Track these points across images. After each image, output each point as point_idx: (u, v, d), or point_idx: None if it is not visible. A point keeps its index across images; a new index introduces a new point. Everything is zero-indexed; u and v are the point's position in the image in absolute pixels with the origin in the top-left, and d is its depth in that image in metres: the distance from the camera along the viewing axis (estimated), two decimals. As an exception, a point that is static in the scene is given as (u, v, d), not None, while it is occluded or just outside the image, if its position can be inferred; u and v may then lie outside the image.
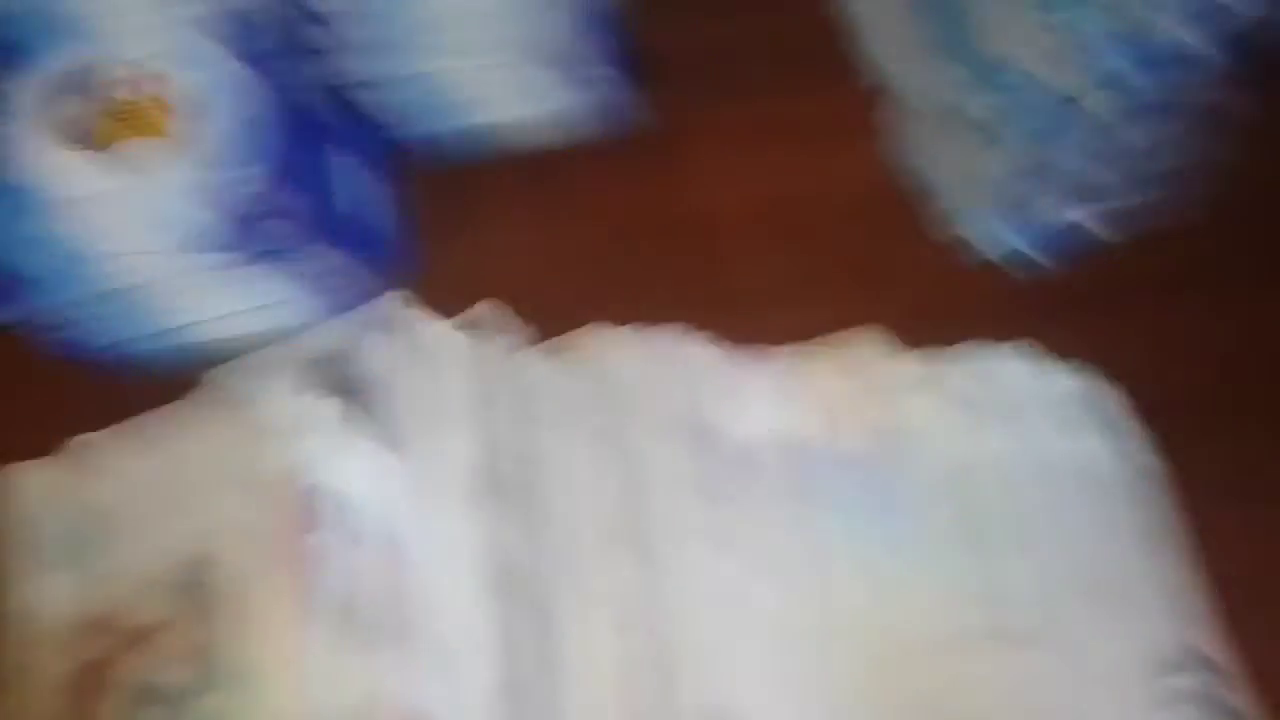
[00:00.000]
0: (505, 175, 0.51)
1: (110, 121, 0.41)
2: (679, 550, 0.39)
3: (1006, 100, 0.44)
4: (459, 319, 0.43)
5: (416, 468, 0.39)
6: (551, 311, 0.44)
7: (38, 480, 0.41)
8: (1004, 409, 0.42)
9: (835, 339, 0.44)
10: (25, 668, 0.38)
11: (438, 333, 0.42)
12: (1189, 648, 0.39)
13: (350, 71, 0.48)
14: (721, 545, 0.39)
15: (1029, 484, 0.41)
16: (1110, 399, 0.43)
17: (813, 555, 0.40)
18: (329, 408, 0.39)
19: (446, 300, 0.44)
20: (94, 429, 0.42)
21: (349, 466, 0.38)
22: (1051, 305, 0.47)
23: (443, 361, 0.41)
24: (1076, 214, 0.49)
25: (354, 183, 0.48)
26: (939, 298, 0.48)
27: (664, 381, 0.42)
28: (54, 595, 0.39)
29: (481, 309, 0.43)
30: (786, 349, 0.44)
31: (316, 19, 0.46)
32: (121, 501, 0.40)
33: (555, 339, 0.44)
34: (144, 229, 0.41)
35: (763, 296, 0.48)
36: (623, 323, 0.44)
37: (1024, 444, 0.42)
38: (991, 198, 0.47)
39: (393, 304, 0.43)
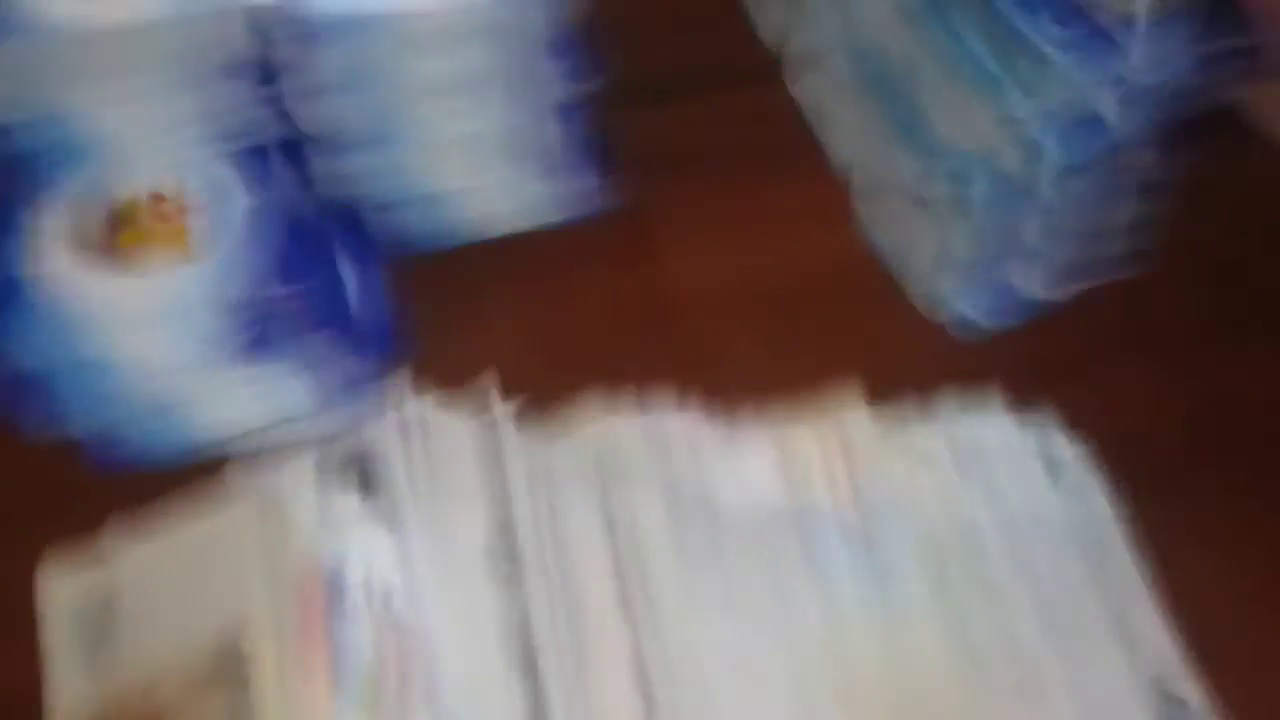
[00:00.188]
0: (490, 264, 0.54)
1: (128, 235, 0.44)
2: (688, 610, 0.41)
3: (960, 181, 0.47)
4: (459, 400, 0.46)
5: (432, 547, 0.41)
6: (542, 388, 0.47)
7: (71, 579, 0.43)
8: (978, 466, 0.45)
9: (818, 407, 0.47)
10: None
11: (441, 415, 0.45)
12: (1171, 685, 0.41)
13: (343, 176, 0.52)
14: (728, 604, 0.42)
15: (1008, 540, 0.44)
16: (1076, 453, 0.46)
17: (815, 613, 0.42)
18: (346, 496, 0.42)
19: (443, 383, 0.46)
20: (121, 527, 0.44)
21: (369, 551, 0.40)
22: (1016, 366, 0.49)
23: (449, 442, 0.44)
24: (1035, 281, 0.52)
25: (353, 278, 0.51)
26: (911, 363, 0.51)
27: (663, 451, 0.45)
28: (91, 686, 0.41)
29: (479, 389, 0.46)
30: (774, 417, 0.47)
31: (311, 133, 0.50)
32: (155, 599, 0.42)
33: (552, 413, 0.46)
34: (163, 335, 0.44)
35: (747, 371, 0.50)
36: (610, 396, 0.47)
37: (1001, 501, 0.45)
38: (955, 269, 0.51)
39: (397, 390, 0.45)
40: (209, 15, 0.44)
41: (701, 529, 0.43)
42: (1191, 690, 0.41)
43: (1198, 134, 0.46)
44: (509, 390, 0.46)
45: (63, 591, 0.43)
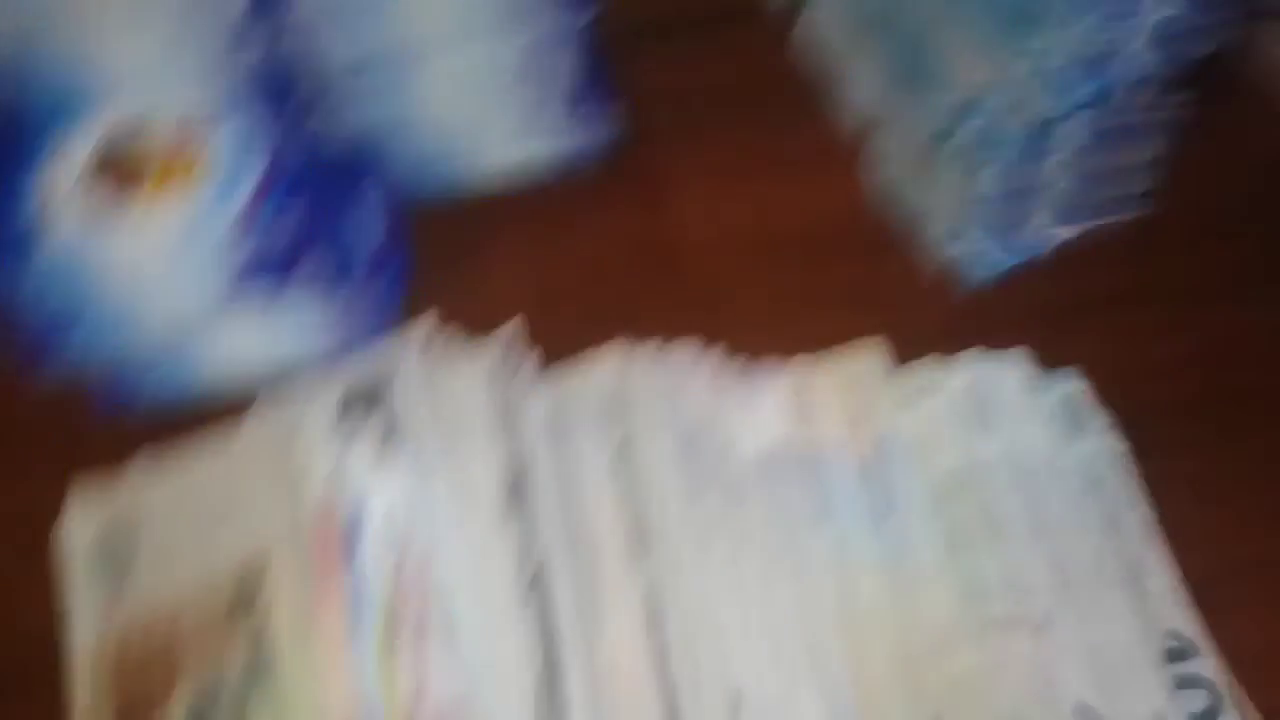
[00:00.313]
0: (505, 211, 0.53)
1: (147, 175, 0.44)
2: (700, 553, 0.41)
3: (983, 128, 0.47)
4: (473, 344, 0.46)
5: (448, 484, 0.42)
6: (555, 334, 0.47)
7: (92, 514, 0.44)
8: (995, 415, 0.45)
9: (834, 354, 0.47)
10: (89, 680, 0.41)
11: (455, 357, 0.45)
12: (1183, 636, 0.42)
13: (364, 123, 0.51)
14: (741, 547, 0.42)
15: (1022, 485, 0.44)
16: (1093, 404, 0.46)
17: (827, 556, 0.42)
18: (363, 437, 0.42)
19: (456, 327, 0.46)
20: (141, 463, 0.45)
21: (385, 491, 0.41)
22: (1034, 317, 0.49)
23: (463, 384, 0.44)
24: (1055, 231, 0.52)
25: (371, 222, 0.51)
26: (924, 308, 0.51)
27: (678, 396, 0.45)
28: (110, 619, 0.42)
29: (498, 334, 0.46)
30: (789, 364, 0.47)
31: (330, 73, 0.49)
32: (174, 523, 0.43)
33: (565, 358, 0.47)
34: (177, 271, 0.44)
35: (763, 317, 0.50)
36: (623, 342, 0.47)
37: (1015, 448, 0.45)
38: (974, 219, 0.50)
39: (415, 333, 0.45)
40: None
41: (714, 471, 0.43)
42: (1202, 643, 0.42)
43: (1210, 75, 0.46)
44: (524, 325, 0.46)
45: (83, 526, 0.44)
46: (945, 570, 0.42)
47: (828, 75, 0.57)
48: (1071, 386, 0.47)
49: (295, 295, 0.46)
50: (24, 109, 0.45)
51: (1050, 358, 0.47)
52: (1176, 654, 0.41)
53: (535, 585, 0.40)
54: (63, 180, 0.44)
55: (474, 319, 0.47)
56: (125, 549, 0.43)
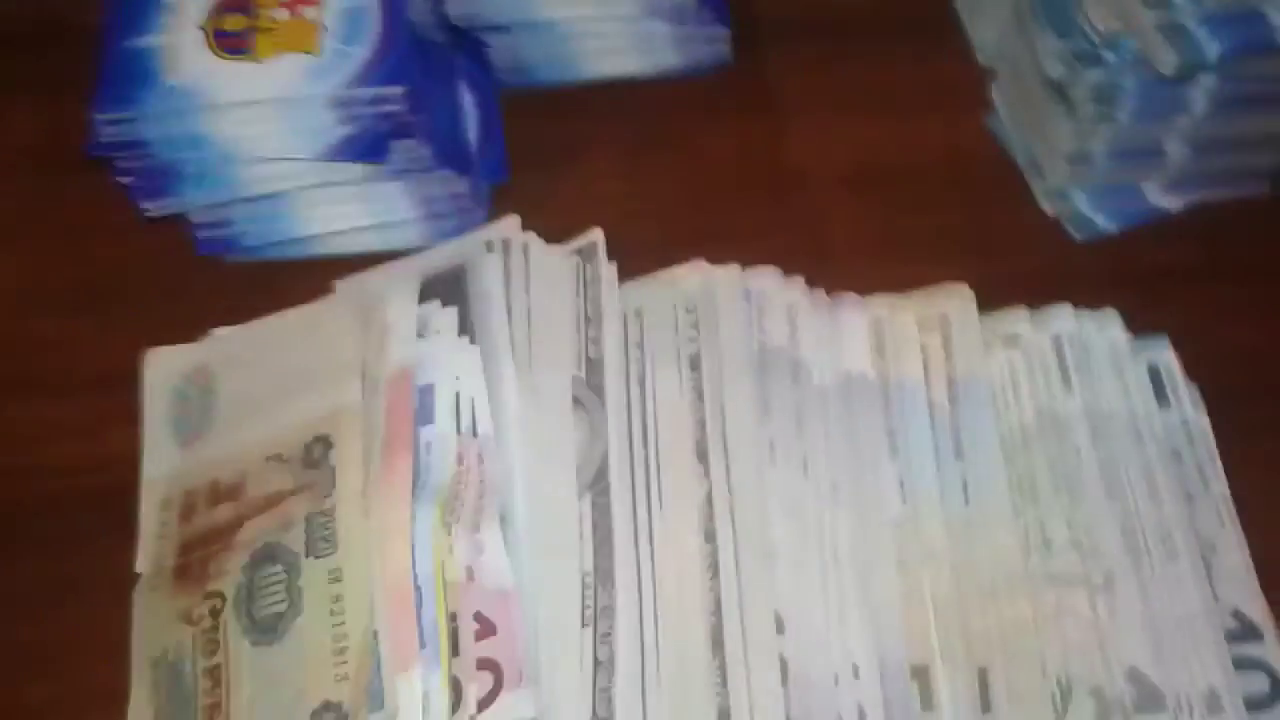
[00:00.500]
0: (608, 120, 0.53)
1: (266, 37, 0.45)
2: (762, 469, 0.41)
3: (1112, 78, 0.46)
4: (563, 245, 0.46)
5: (519, 379, 0.42)
6: (644, 245, 0.46)
7: (179, 362, 0.45)
8: (1079, 372, 0.44)
9: (924, 293, 0.46)
10: (160, 529, 0.42)
11: (548, 256, 0.45)
12: (1248, 618, 0.41)
13: (478, 15, 0.51)
14: (802, 469, 0.42)
15: (1099, 445, 0.43)
16: (1183, 372, 0.45)
17: (891, 490, 0.42)
18: (447, 315, 0.42)
19: (553, 230, 0.46)
20: (232, 321, 0.46)
21: (461, 368, 0.41)
22: (1128, 281, 0.48)
23: (547, 274, 0.44)
24: (1165, 199, 0.50)
25: (475, 116, 0.51)
26: (1024, 258, 0.50)
27: (756, 307, 0.44)
28: (188, 465, 0.43)
29: (588, 237, 0.46)
30: (877, 298, 0.46)
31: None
32: (253, 385, 0.44)
33: (651, 262, 0.46)
34: (289, 137, 0.45)
35: (855, 252, 0.50)
36: (711, 255, 0.46)
37: (1096, 407, 0.44)
38: (1084, 166, 0.49)
39: (508, 227, 0.46)
40: None
41: (787, 388, 0.43)
42: (1268, 628, 0.41)
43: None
44: (610, 234, 0.46)
45: (166, 370, 0.45)
46: (1009, 519, 0.41)
47: (958, 10, 0.56)
48: (1163, 354, 0.45)
49: (390, 176, 0.47)
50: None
51: (1140, 324, 0.46)
52: (1239, 635, 0.40)
53: (595, 484, 0.41)
54: (187, 18, 0.45)
55: (564, 220, 0.47)
56: (203, 397, 0.44)
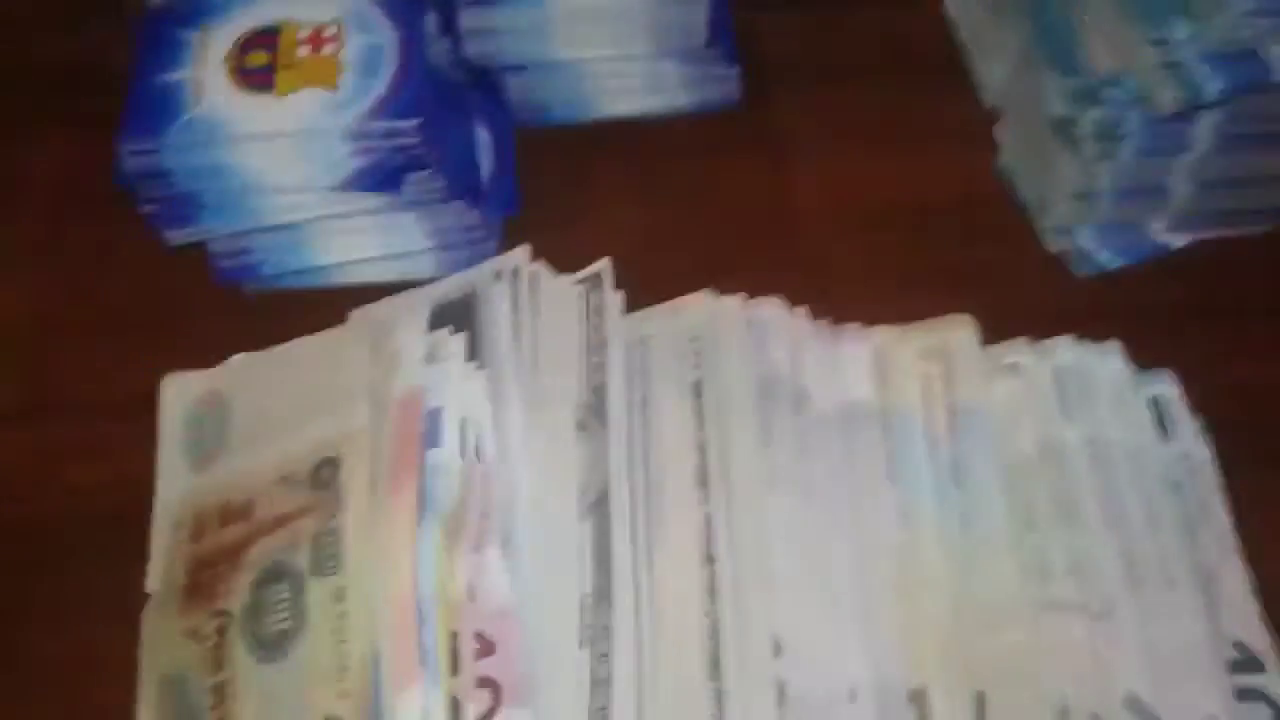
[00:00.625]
0: (617, 155, 0.55)
1: (287, 73, 0.46)
2: (762, 494, 0.41)
3: (1114, 116, 0.46)
4: (570, 276, 0.47)
5: (529, 400, 0.43)
6: (650, 277, 0.47)
7: (195, 387, 0.46)
8: (1081, 403, 0.44)
9: (927, 324, 0.47)
10: (172, 550, 0.43)
11: (556, 285, 0.46)
12: (1250, 649, 0.41)
13: (495, 55, 0.53)
14: (804, 499, 0.42)
15: (1099, 475, 0.43)
16: (1185, 406, 0.45)
17: (891, 517, 0.42)
18: (456, 342, 0.43)
19: (554, 252, 0.47)
20: (249, 348, 0.47)
21: (469, 393, 0.42)
22: (1131, 316, 0.48)
23: (554, 304, 0.45)
24: (1167, 225, 0.51)
25: (489, 151, 0.52)
26: (1026, 293, 0.50)
27: (760, 345, 0.45)
28: (200, 487, 0.44)
29: (595, 268, 0.47)
30: (880, 329, 0.47)
31: (468, 3, 0.51)
32: (265, 410, 0.45)
33: (656, 295, 0.47)
34: (306, 168, 0.46)
35: (859, 286, 0.50)
36: (716, 290, 0.47)
37: (1098, 438, 0.44)
38: (1088, 204, 0.49)
39: (517, 257, 0.47)
40: None
41: (788, 417, 0.43)
42: (1270, 659, 0.40)
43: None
44: (619, 267, 0.47)
45: (182, 395, 0.46)
46: (1009, 547, 0.41)
47: (965, 53, 0.57)
48: (1165, 387, 0.46)
49: (404, 207, 0.48)
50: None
51: (1144, 358, 0.46)
52: (1242, 665, 0.40)
53: (597, 508, 0.41)
54: (213, 55, 0.47)
55: (575, 252, 0.48)
56: (217, 422, 0.45)
